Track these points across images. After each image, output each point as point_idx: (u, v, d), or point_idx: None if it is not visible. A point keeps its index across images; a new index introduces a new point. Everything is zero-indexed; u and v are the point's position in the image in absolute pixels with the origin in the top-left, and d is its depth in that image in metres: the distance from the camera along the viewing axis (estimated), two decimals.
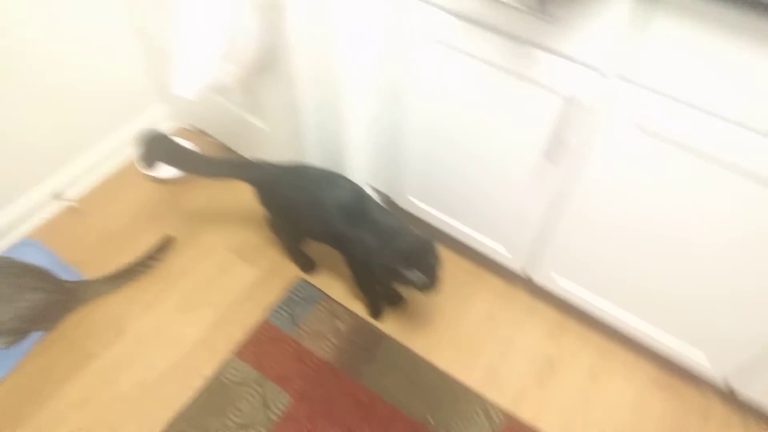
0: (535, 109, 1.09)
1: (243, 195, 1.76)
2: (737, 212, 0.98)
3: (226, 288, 1.57)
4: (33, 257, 1.58)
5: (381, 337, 1.47)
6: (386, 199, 1.66)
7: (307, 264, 1.60)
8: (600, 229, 1.19)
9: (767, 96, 0.82)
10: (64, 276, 1.53)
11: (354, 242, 1.31)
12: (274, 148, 1.61)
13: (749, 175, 0.92)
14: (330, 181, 1.33)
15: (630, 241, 1.17)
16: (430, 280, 1.24)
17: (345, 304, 1.53)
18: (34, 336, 1.45)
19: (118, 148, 1.84)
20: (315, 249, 1.58)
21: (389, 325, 1.50)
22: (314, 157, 1.52)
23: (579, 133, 1.06)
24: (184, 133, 1.94)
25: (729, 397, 1.36)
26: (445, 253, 1.64)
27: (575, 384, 1.40)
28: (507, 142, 1.19)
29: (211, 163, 1.42)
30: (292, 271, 1.60)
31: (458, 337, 1.48)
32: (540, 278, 1.44)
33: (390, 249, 1.25)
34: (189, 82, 1.25)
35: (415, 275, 1.23)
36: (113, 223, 1.71)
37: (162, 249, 1.61)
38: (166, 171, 1.78)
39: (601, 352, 1.46)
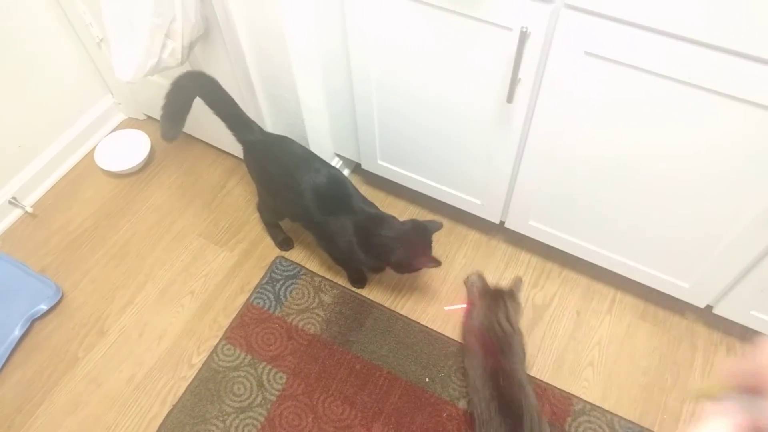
0: (488, 49, 1.06)
1: (203, 179, 1.72)
2: (692, 128, 0.98)
3: (203, 275, 1.54)
4: (1, 270, 1.53)
5: (368, 305, 1.46)
6: (357, 166, 1.63)
7: (285, 241, 1.57)
8: (565, 165, 1.19)
9: (706, 5, 0.81)
10: (37, 283, 1.48)
11: (331, 229, 1.29)
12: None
13: (697, 88, 0.91)
14: (308, 164, 1.29)
15: (594, 173, 1.17)
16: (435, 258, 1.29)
17: (327, 276, 1.52)
18: (8, 345, 1.41)
19: (71, 147, 1.76)
20: (291, 224, 1.55)
21: (374, 292, 1.49)
22: (276, 131, 1.48)
23: (532, 67, 1.04)
24: (136, 123, 1.87)
25: (713, 323, 1.40)
26: (422, 214, 1.63)
27: (564, 326, 1.42)
28: (465, 88, 1.16)
29: (227, 105, 1.30)
30: (268, 251, 1.58)
31: (444, 294, 1.48)
32: (517, 226, 1.43)
33: (382, 237, 1.26)
34: (129, 64, 1.19)
35: (431, 260, 1.28)
36: (75, 223, 1.65)
37: None
38: (123, 164, 1.72)
39: (585, 293, 1.47)
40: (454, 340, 1.40)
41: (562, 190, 1.25)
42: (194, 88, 1.28)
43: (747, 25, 0.81)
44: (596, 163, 1.14)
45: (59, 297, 1.50)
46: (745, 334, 1.37)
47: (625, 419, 1.28)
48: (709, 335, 1.40)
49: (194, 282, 1.53)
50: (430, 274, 1.51)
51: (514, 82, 1.05)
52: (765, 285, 1.17)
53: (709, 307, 1.32)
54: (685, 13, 0.83)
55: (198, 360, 1.40)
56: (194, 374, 1.37)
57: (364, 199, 1.34)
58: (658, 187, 1.11)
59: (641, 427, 1.27)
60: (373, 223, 1.29)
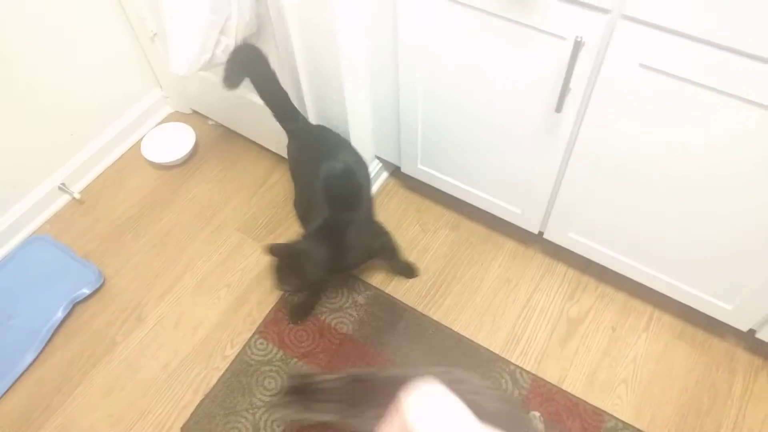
0: (539, 58, 1.05)
1: (244, 175, 1.75)
2: (745, 145, 0.96)
3: (241, 269, 1.56)
4: (46, 252, 1.58)
5: (400, 308, 1.47)
6: (396, 169, 1.64)
7: None
8: (611, 177, 1.17)
9: (761, 20, 0.80)
10: (80, 268, 1.53)
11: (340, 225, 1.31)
12: (274, 124, 1.57)
13: (753, 103, 0.89)
14: (334, 151, 1.31)
15: (640, 186, 1.15)
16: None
17: (361, 277, 1.52)
18: (50, 326, 1.45)
19: (119, 137, 1.81)
20: None
21: (408, 295, 1.49)
22: None
23: (584, 77, 1.03)
24: (183, 117, 1.91)
25: (755, 347, 1.36)
26: (458, 220, 1.62)
27: (598, 342, 1.40)
28: (513, 97, 1.16)
29: (275, 90, 1.34)
30: None
31: (478, 302, 1.48)
32: (556, 237, 1.42)
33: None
34: (184, 58, 1.23)
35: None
36: (120, 212, 1.70)
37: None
38: (168, 156, 1.77)
39: (622, 309, 1.45)
40: (486, 348, 1.39)
41: (605, 203, 1.24)
42: (247, 63, 1.29)
43: None
44: (643, 176, 1.13)
45: (101, 282, 1.54)
46: None
47: None
48: (750, 360, 1.36)
49: (231, 275, 1.55)
50: (463, 282, 1.51)
51: (564, 91, 1.05)
52: None
53: (752, 331, 1.28)
54: (746, 29, 0.82)
55: (231, 352, 1.42)
56: (227, 366, 1.39)
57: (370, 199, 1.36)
58: (707, 205, 1.09)
59: None
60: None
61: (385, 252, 1.45)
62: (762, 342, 1.28)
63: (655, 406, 1.30)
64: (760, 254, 1.11)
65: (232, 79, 1.29)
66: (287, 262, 1.27)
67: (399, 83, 1.32)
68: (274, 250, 1.26)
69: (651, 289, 1.36)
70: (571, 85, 1.05)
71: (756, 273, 1.15)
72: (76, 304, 1.51)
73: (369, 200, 1.38)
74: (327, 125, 1.44)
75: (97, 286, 1.53)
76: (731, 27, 0.83)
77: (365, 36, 1.27)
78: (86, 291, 1.51)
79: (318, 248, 1.27)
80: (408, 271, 1.52)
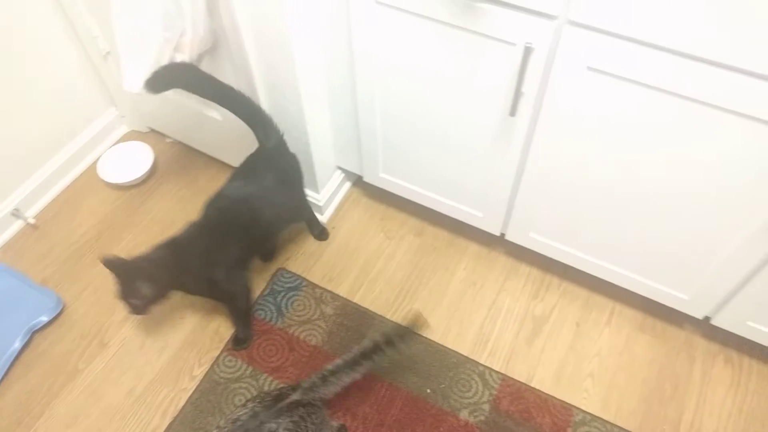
0: (492, 64, 1.08)
1: (205, 192, 1.72)
2: (693, 144, 1.00)
3: None
4: (2, 282, 1.52)
5: (369, 316, 1.47)
6: (358, 179, 1.65)
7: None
8: (567, 177, 1.21)
9: (705, 22, 0.84)
10: (38, 295, 1.48)
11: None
12: (233, 139, 1.57)
13: (696, 103, 0.94)
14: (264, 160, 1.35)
15: (595, 186, 1.19)
16: None
17: (328, 288, 1.52)
18: (8, 358, 1.40)
19: (74, 159, 1.77)
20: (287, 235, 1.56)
21: (376, 303, 1.50)
22: None
23: (536, 81, 1.07)
24: (140, 135, 1.88)
25: (711, 334, 1.42)
26: (423, 226, 1.64)
27: (563, 338, 1.44)
28: (468, 102, 1.19)
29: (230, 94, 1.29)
30: (270, 263, 1.58)
31: (445, 306, 1.49)
32: (517, 237, 1.45)
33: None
34: (138, 76, 1.21)
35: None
36: (77, 235, 1.65)
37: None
38: (125, 176, 1.73)
39: (585, 305, 1.49)
40: (454, 351, 1.41)
41: (563, 203, 1.28)
42: (178, 76, 1.25)
43: (748, 42, 0.84)
44: (597, 176, 1.17)
45: (60, 308, 1.49)
46: (742, 345, 1.39)
47: (625, 430, 1.29)
48: (707, 346, 1.41)
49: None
50: (430, 286, 1.53)
51: (517, 95, 1.08)
52: (761, 296, 1.19)
53: (707, 319, 1.34)
54: (687, 30, 0.86)
55: (199, 372, 1.39)
56: (195, 386, 1.37)
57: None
58: (659, 201, 1.14)
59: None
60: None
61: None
62: (717, 328, 1.34)
63: (620, 397, 1.34)
64: (710, 245, 1.16)
65: (154, 85, 1.22)
66: (125, 276, 1.21)
67: (357, 93, 1.33)
68: (108, 263, 1.20)
69: (611, 283, 1.40)
70: (524, 89, 1.08)
71: (707, 263, 1.20)
72: (35, 333, 1.46)
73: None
74: (286, 136, 1.44)
75: (56, 312, 1.48)
76: (672, 30, 0.87)
77: (321, 47, 1.28)
78: (45, 318, 1.46)
79: (159, 265, 1.23)
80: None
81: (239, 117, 1.31)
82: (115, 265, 1.20)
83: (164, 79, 1.21)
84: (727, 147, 0.98)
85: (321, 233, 1.62)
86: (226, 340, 1.44)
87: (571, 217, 1.30)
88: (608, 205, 1.21)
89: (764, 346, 1.31)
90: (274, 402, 1.06)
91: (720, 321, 1.31)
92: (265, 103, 1.40)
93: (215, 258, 1.29)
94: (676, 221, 1.16)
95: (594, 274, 1.41)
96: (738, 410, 1.32)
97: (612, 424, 1.30)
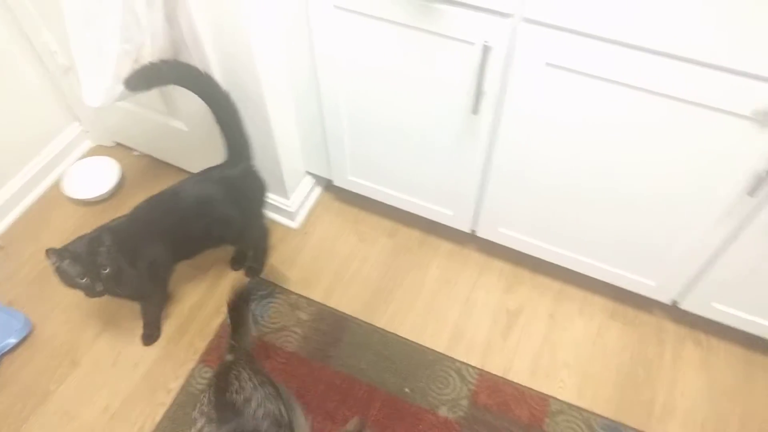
0: (453, 63, 1.10)
1: None
2: (653, 137, 1.03)
3: (177, 300, 1.52)
4: None
5: (344, 320, 1.47)
6: (329, 183, 1.65)
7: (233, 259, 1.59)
8: (530, 173, 1.24)
9: (656, 15, 0.87)
10: (5, 317, 1.44)
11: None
12: (199, 149, 1.56)
13: (657, 95, 0.97)
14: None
15: (559, 181, 1.22)
16: None
17: (303, 294, 1.52)
18: None
19: (38, 177, 1.74)
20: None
21: (351, 306, 1.50)
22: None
23: (497, 79, 1.08)
24: (105, 150, 1.86)
25: (679, 318, 1.45)
26: (395, 227, 1.65)
27: (537, 330, 1.46)
28: (432, 102, 1.20)
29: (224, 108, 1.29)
30: (238, 273, 1.57)
31: (420, 305, 1.50)
32: (487, 233, 1.47)
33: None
34: (98, 90, 1.20)
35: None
36: (43, 254, 1.61)
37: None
38: (91, 191, 1.71)
39: (557, 296, 1.51)
40: (431, 349, 1.42)
41: (529, 198, 1.30)
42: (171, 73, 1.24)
43: (699, 33, 0.87)
44: (562, 170, 1.19)
45: (29, 329, 1.46)
46: (709, 327, 1.43)
47: (602, 416, 1.31)
48: (676, 330, 1.45)
49: (169, 306, 1.51)
50: (404, 286, 1.53)
51: (479, 93, 1.10)
52: (723, 278, 1.23)
53: (675, 303, 1.37)
54: (638, 24, 0.89)
55: (175, 385, 1.38)
56: (172, 399, 1.35)
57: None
58: (622, 194, 1.17)
59: (617, 422, 1.30)
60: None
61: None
62: (685, 312, 1.37)
63: (596, 385, 1.36)
64: (672, 234, 1.19)
65: (133, 83, 1.19)
66: (71, 255, 1.19)
67: (321, 97, 1.34)
68: (51, 254, 1.19)
69: (582, 274, 1.43)
70: (485, 87, 1.10)
71: (671, 250, 1.23)
72: (3, 356, 1.42)
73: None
74: (254, 145, 1.43)
75: (25, 334, 1.45)
76: (624, 24, 0.90)
77: (283, 53, 1.28)
78: (13, 341, 1.43)
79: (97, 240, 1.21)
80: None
81: (217, 118, 1.29)
82: (60, 250, 1.18)
83: (157, 73, 1.21)
84: (685, 138, 1.01)
85: (249, 269, 1.57)
86: (202, 351, 1.42)
87: (539, 212, 1.32)
88: (574, 199, 1.24)
89: (730, 327, 1.35)
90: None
91: (687, 305, 1.35)
92: None
93: (138, 249, 1.28)
94: (639, 213, 1.19)
95: (564, 266, 1.43)
96: (708, 389, 1.36)
97: (588, 411, 1.32)
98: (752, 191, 1.01)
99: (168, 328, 1.47)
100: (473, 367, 1.39)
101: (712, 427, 1.30)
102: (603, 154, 1.12)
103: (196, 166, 1.71)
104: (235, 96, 1.33)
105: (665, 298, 1.37)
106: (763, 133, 0.94)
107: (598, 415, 1.31)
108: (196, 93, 1.26)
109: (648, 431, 1.30)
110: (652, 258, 1.28)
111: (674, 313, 1.44)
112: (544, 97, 1.07)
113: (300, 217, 1.67)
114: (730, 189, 1.05)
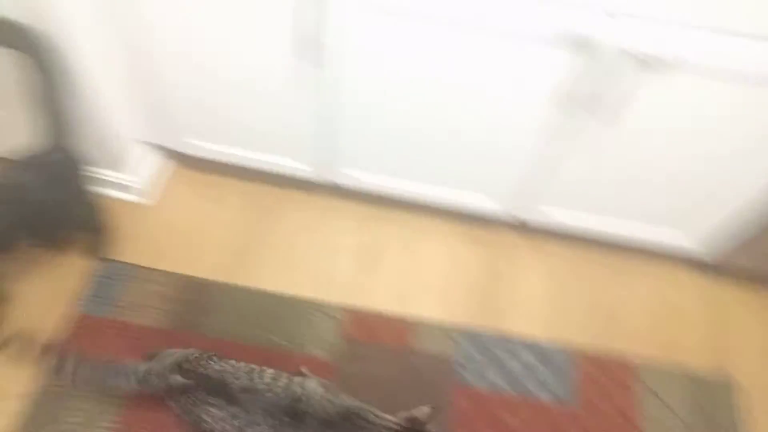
0: (271, 11, 1.09)
1: None
2: (471, 64, 1.10)
3: (19, 301, 1.41)
4: None
5: (206, 285, 1.44)
6: (165, 149, 1.58)
7: None
8: (368, 110, 1.27)
9: None
10: None
11: None
12: (15, 130, 1.41)
13: (470, 28, 1.03)
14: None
15: (401, 118, 1.27)
16: None
17: (159, 267, 1.47)
18: None
19: None
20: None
21: (214, 270, 1.47)
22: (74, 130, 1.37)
23: (315, 22, 1.09)
24: None
25: (524, 232, 1.59)
26: (246, 186, 1.63)
27: (397, 261, 1.53)
28: (255, 46, 1.18)
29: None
30: (83, 259, 1.48)
31: (280, 258, 1.51)
32: (337, 178, 1.50)
33: None
34: None
35: None
36: None
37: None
38: None
39: (411, 228, 1.59)
40: (296, 297, 1.44)
41: (368, 131, 1.34)
42: None
43: None
44: (402, 106, 1.24)
45: None
46: (549, 237, 1.58)
47: (459, 325, 1.42)
48: (520, 242, 1.59)
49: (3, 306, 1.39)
50: (264, 242, 1.53)
51: (310, 42, 1.11)
52: (546, 185, 1.35)
53: (516, 219, 1.50)
54: None
55: (24, 389, 1.28)
56: (24, 403, 1.26)
57: None
58: (456, 124, 1.25)
59: (472, 328, 1.42)
60: None
61: None
62: (528, 227, 1.53)
63: (454, 302, 1.47)
64: (502, 153, 1.30)
65: None
66: None
67: (134, 48, 1.26)
68: None
69: (431, 205, 1.52)
70: (308, 32, 1.09)
71: (504, 168, 1.34)
72: None
73: None
74: (75, 114, 1.30)
75: None
76: None
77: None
78: None
79: None
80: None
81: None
82: None
83: None
84: (495, 67, 1.10)
85: (89, 250, 1.47)
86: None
87: (374, 145, 1.37)
88: (414, 137, 1.31)
89: (566, 234, 1.52)
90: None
91: (524, 215, 1.48)
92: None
93: None
94: (475, 140, 1.28)
95: (415, 199, 1.51)
96: (553, 290, 1.52)
97: (449, 323, 1.42)
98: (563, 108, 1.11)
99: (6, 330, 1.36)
100: (337, 306, 1.43)
101: (556, 318, 1.47)
102: (440, 90, 1.18)
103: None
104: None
105: (502, 212, 1.48)
106: (557, 54, 1.04)
107: (456, 325, 1.42)
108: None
109: (500, 328, 1.43)
110: (489, 176, 1.38)
111: (518, 229, 1.58)
112: (380, 42, 1.10)
113: (152, 192, 1.59)
114: (539, 107, 1.15)
